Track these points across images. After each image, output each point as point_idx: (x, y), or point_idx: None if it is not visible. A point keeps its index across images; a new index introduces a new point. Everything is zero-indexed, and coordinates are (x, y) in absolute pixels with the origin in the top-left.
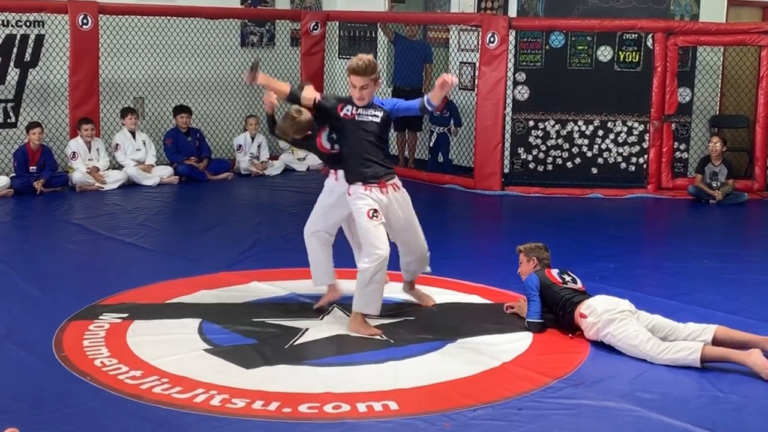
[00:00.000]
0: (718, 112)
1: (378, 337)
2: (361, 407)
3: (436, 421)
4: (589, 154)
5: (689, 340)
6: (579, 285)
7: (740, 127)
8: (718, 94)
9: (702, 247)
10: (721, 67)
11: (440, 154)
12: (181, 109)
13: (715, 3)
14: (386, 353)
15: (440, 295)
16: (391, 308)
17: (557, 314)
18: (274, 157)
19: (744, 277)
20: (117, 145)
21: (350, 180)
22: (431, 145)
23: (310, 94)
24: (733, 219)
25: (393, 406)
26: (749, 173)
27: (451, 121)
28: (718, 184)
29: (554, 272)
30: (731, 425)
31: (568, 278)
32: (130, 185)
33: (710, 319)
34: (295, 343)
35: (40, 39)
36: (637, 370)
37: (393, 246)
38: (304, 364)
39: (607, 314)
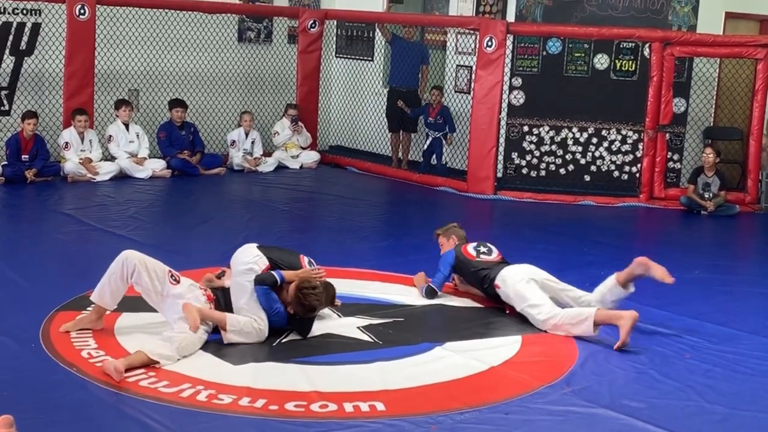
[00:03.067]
0: (712, 124)
1: (366, 338)
2: (348, 407)
3: (423, 423)
4: (583, 161)
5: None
6: (494, 255)
7: (734, 139)
8: (713, 106)
9: (692, 257)
10: (716, 79)
11: (434, 157)
12: (176, 103)
13: (713, 14)
14: (374, 354)
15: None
16: (380, 309)
17: (481, 286)
18: (267, 153)
19: (733, 289)
20: (110, 136)
21: None
22: (425, 148)
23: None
24: (724, 231)
25: (380, 406)
26: (741, 186)
27: (446, 127)
28: (711, 195)
29: (470, 247)
30: None
31: (483, 249)
32: (122, 177)
33: (699, 330)
34: (284, 341)
35: (36, 27)
36: (625, 378)
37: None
38: (292, 362)
39: (516, 282)
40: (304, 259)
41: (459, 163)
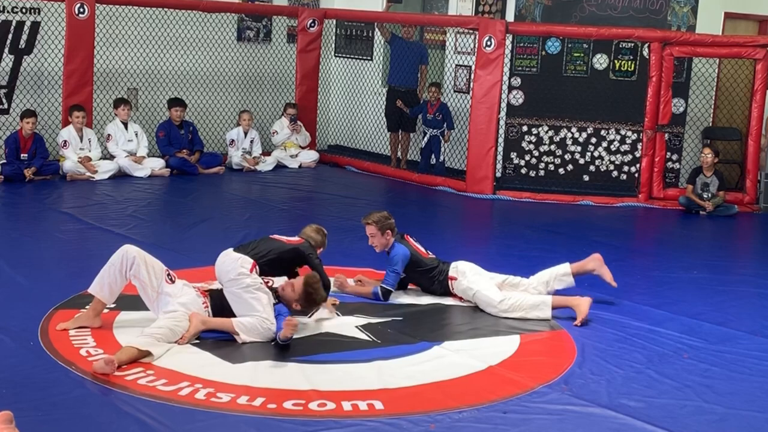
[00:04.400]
0: (711, 124)
1: (365, 337)
2: (347, 406)
3: (421, 422)
4: (582, 161)
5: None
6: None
7: (732, 139)
8: (712, 106)
9: (691, 257)
10: (715, 79)
11: (433, 156)
12: (175, 102)
13: (712, 15)
14: (373, 353)
15: (427, 298)
16: (379, 308)
17: (432, 283)
18: (266, 153)
19: (732, 289)
20: (109, 135)
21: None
22: (422, 146)
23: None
24: (722, 231)
25: (378, 405)
26: (740, 186)
27: (444, 125)
28: (709, 195)
29: (413, 240)
30: None
31: (421, 245)
32: (120, 176)
33: (696, 330)
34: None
35: (35, 26)
36: (623, 377)
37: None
38: (291, 360)
39: (470, 272)
40: (276, 237)
41: (458, 163)
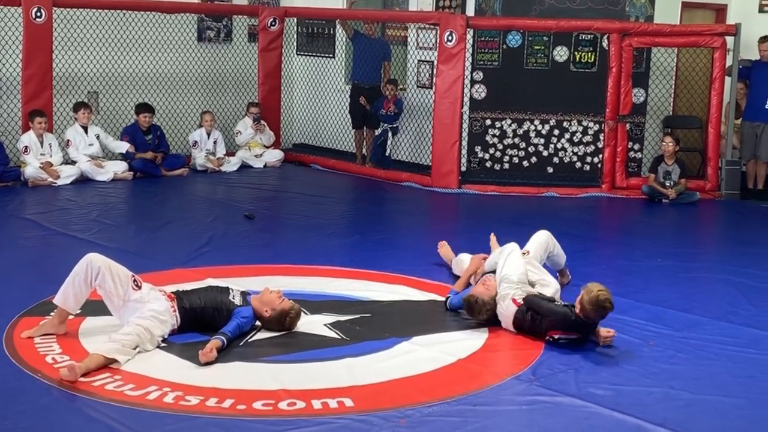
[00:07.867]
0: (671, 113)
1: (333, 335)
2: (316, 404)
3: (391, 417)
4: (545, 153)
5: None
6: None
7: (693, 127)
8: (672, 95)
9: (655, 245)
10: (674, 69)
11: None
12: (143, 108)
13: (670, 5)
14: (342, 350)
15: (395, 294)
16: (347, 306)
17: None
18: (230, 153)
19: (696, 276)
20: (68, 141)
21: None
22: (375, 139)
23: None
24: (685, 218)
25: (348, 402)
26: (702, 173)
27: (397, 120)
28: (671, 183)
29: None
30: (682, 422)
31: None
32: (83, 180)
33: (662, 317)
34: (250, 340)
35: None
36: (591, 366)
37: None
38: (259, 361)
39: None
40: None
41: (423, 158)
